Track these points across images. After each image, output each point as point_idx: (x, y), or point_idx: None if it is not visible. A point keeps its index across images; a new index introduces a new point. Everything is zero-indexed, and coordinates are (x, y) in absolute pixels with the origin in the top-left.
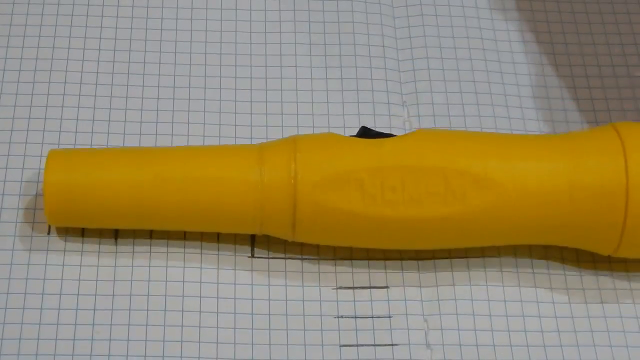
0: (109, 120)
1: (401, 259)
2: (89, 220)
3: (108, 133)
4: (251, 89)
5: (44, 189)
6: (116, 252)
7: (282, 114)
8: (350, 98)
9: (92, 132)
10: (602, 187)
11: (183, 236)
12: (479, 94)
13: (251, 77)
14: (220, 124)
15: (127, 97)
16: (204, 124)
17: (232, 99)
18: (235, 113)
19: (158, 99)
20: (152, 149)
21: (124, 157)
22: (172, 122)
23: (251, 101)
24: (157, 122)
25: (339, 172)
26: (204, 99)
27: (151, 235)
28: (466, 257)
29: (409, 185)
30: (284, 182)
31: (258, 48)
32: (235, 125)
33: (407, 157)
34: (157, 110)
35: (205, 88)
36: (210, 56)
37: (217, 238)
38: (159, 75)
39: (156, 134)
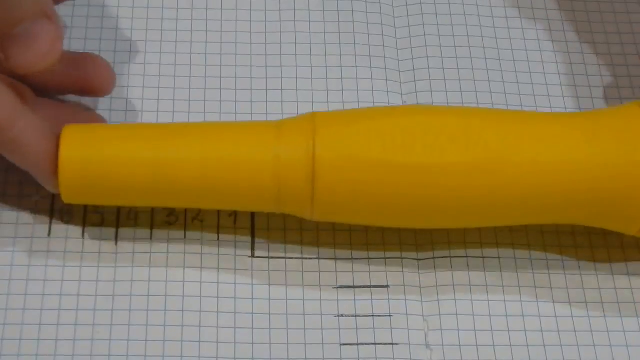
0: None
1: (401, 258)
2: (104, 198)
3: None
4: (251, 89)
5: (59, 164)
6: (116, 253)
7: (282, 114)
8: (351, 98)
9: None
10: (626, 165)
11: (183, 234)
12: (479, 93)
13: (251, 77)
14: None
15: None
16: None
17: (232, 95)
18: (236, 112)
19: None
20: (170, 125)
21: (140, 133)
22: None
23: (251, 101)
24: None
25: (358, 128)
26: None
27: (151, 235)
28: (466, 257)
29: (429, 135)
30: (303, 158)
31: (258, 48)
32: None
33: (426, 110)
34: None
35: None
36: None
37: (217, 237)
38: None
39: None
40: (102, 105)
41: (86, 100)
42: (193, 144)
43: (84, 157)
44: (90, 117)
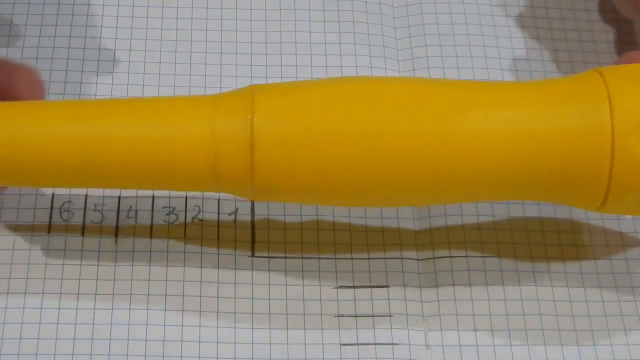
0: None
1: (401, 258)
2: (27, 179)
3: None
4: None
5: None
6: (116, 251)
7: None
8: None
9: None
10: (586, 133)
11: (183, 233)
12: None
13: (251, 77)
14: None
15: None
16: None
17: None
18: None
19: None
20: (97, 101)
21: (64, 110)
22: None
23: None
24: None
25: (299, 97)
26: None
27: (151, 234)
28: (466, 257)
29: (373, 101)
30: (240, 129)
31: (258, 47)
32: None
33: (371, 78)
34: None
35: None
36: (211, 53)
37: (217, 237)
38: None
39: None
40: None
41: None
42: (121, 119)
43: (3, 135)
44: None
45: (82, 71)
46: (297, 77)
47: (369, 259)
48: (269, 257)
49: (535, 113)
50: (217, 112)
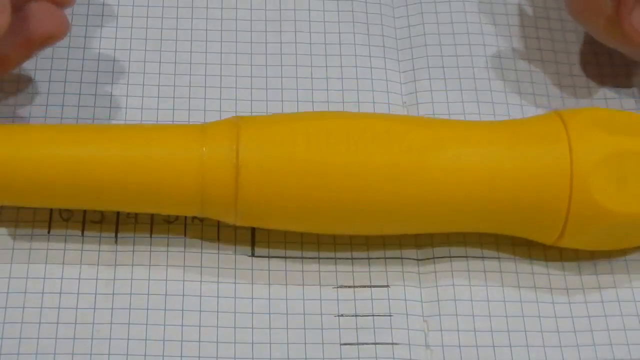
0: (110, 119)
1: (401, 258)
2: (23, 198)
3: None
4: (251, 88)
5: None
6: (116, 252)
7: (282, 113)
8: (351, 98)
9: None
10: (546, 173)
11: (183, 233)
12: (479, 92)
13: (251, 77)
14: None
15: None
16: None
17: (232, 94)
18: (236, 111)
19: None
20: (93, 126)
21: (60, 133)
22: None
23: (251, 100)
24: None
25: (283, 129)
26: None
27: (151, 234)
28: (466, 258)
29: (353, 136)
30: (226, 158)
31: (258, 47)
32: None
33: (350, 114)
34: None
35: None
36: (211, 52)
37: (217, 237)
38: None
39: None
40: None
41: (86, 100)
42: (114, 144)
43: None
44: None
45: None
46: (297, 77)
47: (369, 259)
48: (269, 257)
49: (503, 152)
50: (205, 141)
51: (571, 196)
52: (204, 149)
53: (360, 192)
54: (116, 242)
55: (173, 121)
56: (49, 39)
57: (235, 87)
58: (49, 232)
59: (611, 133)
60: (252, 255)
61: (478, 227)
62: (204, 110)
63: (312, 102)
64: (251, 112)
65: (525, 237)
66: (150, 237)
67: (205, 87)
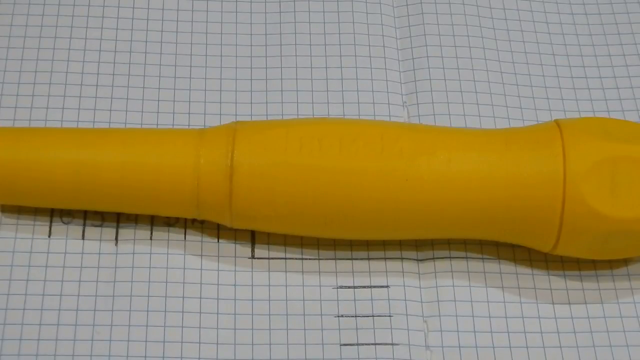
0: (109, 122)
1: (401, 258)
2: (24, 198)
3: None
4: (251, 91)
5: None
6: (116, 254)
7: (282, 114)
8: (351, 98)
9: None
10: (541, 179)
11: (183, 235)
12: (478, 94)
13: (251, 79)
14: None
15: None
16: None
17: (232, 97)
18: (236, 115)
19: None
20: (92, 130)
21: (61, 136)
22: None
23: (251, 102)
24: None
25: (277, 133)
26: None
27: (151, 236)
28: (466, 258)
29: (346, 140)
30: (221, 161)
31: (258, 50)
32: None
33: (343, 119)
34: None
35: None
36: (211, 55)
37: (217, 238)
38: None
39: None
40: (103, 106)
41: (86, 101)
42: (113, 147)
43: (4, 157)
44: None
45: (82, 73)
46: (297, 78)
47: (369, 259)
48: (269, 259)
49: (496, 158)
50: (202, 145)
51: (564, 200)
52: (201, 153)
53: (352, 195)
54: (116, 244)
55: (173, 125)
56: None
57: (235, 90)
58: (49, 235)
59: (605, 140)
60: (252, 256)
61: (473, 234)
62: (204, 114)
63: (312, 103)
64: (251, 115)
65: (522, 244)
66: (151, 239)
67: (205, 90)
